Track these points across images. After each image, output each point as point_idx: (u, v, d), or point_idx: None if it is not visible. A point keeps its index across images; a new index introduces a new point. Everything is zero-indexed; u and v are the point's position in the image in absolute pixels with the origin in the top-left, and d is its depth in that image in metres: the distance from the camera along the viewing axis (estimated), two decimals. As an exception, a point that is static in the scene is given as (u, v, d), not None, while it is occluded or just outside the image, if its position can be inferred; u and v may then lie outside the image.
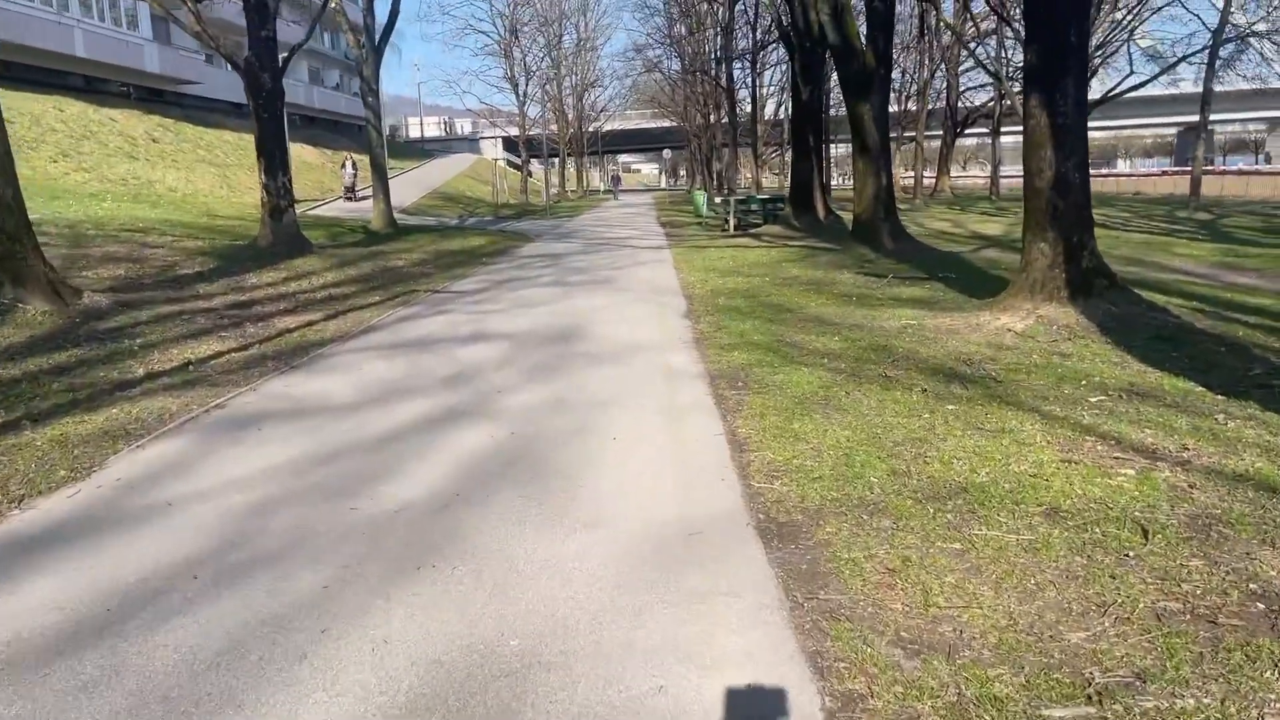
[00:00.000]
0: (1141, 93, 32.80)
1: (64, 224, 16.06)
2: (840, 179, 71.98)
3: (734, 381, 7.34)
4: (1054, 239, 9.21)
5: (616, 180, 76.89)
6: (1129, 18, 32.23)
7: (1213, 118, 34.53)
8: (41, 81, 30.54)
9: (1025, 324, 8.82)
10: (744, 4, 42.15)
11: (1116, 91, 34.22)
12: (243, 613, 3.56)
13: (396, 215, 29.14)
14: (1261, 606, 3.37)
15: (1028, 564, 3.80)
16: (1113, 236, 19.26)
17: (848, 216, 23.98)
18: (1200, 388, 6.53)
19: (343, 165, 36.34)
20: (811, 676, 3.06)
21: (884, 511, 4.43)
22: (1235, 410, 5.88)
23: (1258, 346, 7.70)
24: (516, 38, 55.85)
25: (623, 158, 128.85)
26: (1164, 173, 57.32)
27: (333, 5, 23.18)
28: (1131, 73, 32.83)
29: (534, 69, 58.44)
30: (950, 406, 6.28)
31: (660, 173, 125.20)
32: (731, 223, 25.81)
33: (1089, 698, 2.88)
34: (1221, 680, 2.93)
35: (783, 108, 55.61)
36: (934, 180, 49.31)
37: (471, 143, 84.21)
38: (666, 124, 72.16)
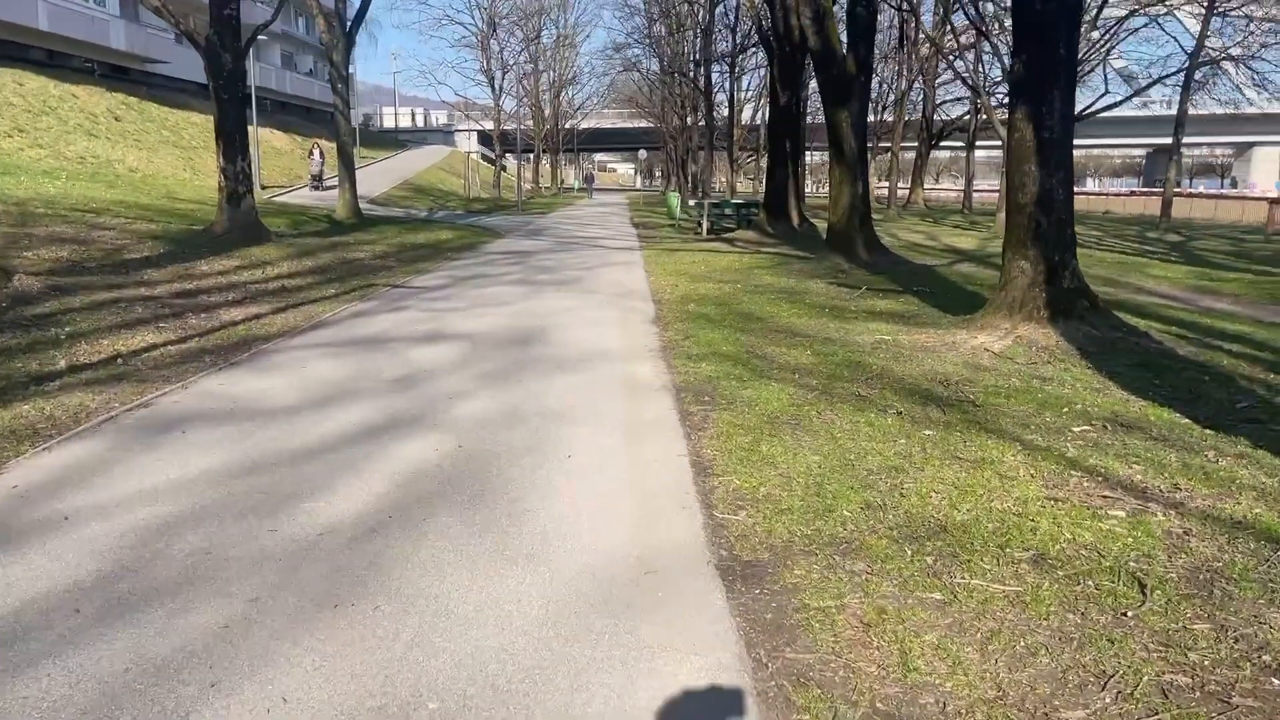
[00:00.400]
0: (1114, 113, 32.81)
1: (11, 201, 15.34)
2: (814, 187, 71.90)
3: (700, 396, 6.93)
4: (1035, 257, 8.90)
5: (590, 179, 76.26)
6: (1106, 37, 32.25)
7: (1184, 140, 34.70)
8: (0, 54, 29.55)
9: (1003, 344, 8.49)
10: (724, 6, 41.92)
11: (1091, 110, 34.20)
12: (124, 657, 3.10)
13: (364, 205, 28.49)
14: (1278, 683, 3.01)
15: (1016, 621, 3.42)
16: (1086, 255, 19.07)
17: (821, 225, 23.72)
18: (1186, 420, 6.21)
19: (310, 153, 35.53)
20: (775, 758, 2.65)
21: (858, 552, 4.04)
22: (1225, 446, 5.56)
23: (1243, 377, 7.42)
24: (494, 30, 55.25)
25: (598, 156, 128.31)
26: (1132, 193, 57.72)
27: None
28: (1106, 92, 32.89)
29: (511, 63, 57.87)
30: (927, 432, 5.92)
31: (635, 173, 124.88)
32: (705, 226, 25.45)
33: (1093, 795, 2.50)
34: (1242, 776, 2.56)
35: (759, 113, 55.51)
36: (908, 192, 49.32)
37: (446, 135, 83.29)
38: (643, 124, 71.67)
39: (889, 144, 47.78)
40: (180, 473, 4.98)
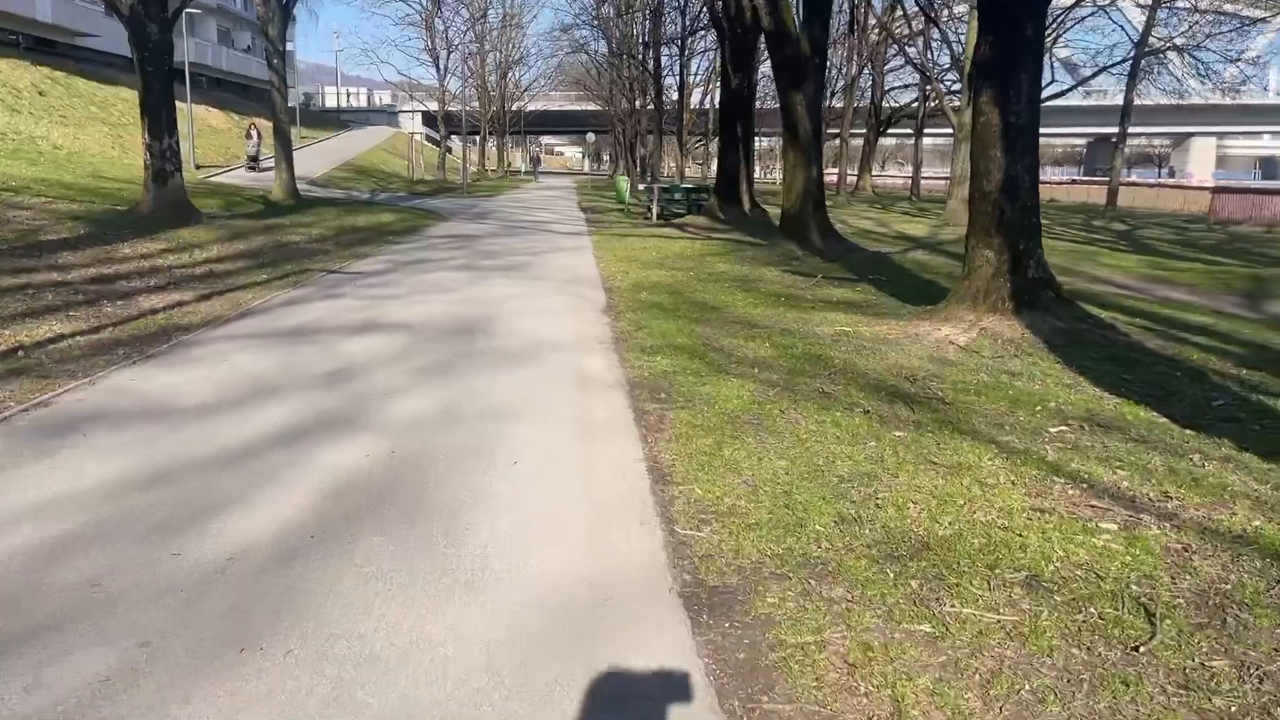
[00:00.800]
0: (1057, 102, 33.02)
1: (-86, 178, 14.36)
2: (761, 172, 71.72)
3: (656, 392, 6.50)
4: (1000, 246, 8.61)
5: (537, 161, 75.16)
6: (1052, 26, 32.37)
7: (1106, 130, 35.06)
8: (-87, 23, 27.97)
9: (968, 336, 8.19)
10: (674, -13, 41.31)
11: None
12: (-23, 725, 2.59)
13: (303, 186, 27.53)
14: (1315, 732, 2.68)
15: (1017, 659, 3.05)
16: (1038, 243, 19.03)
17: (772, 210, 23.41)
18: (1164, 419, 5.94)
19: (247, 133, 34.22)
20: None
21: (835, 575, 3.65)
22: (1209, 449, 5.28)
23: (1214, 372, 7.19)
24: (439, 9, 53.94)
25: (546, 139, 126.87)
26: (1074, 181, 58.47)
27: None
28: (1053, 80, 33.07)
29: (456, 42, 56.57)
30: (898, 433, 5.55)
31: (583, 156, 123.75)
32: (654, 211, 24.98)
33: None
34: None
35: (709, 97, 55.07)
36: (856, 178, 49.31)
37: (390, 115, 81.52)
38: (591, 107, 70.78)
39: (838, 130, 47.68)
40: (75, 484, 4.42)
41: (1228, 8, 31.58)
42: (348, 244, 16.42)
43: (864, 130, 48.59)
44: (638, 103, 52.41)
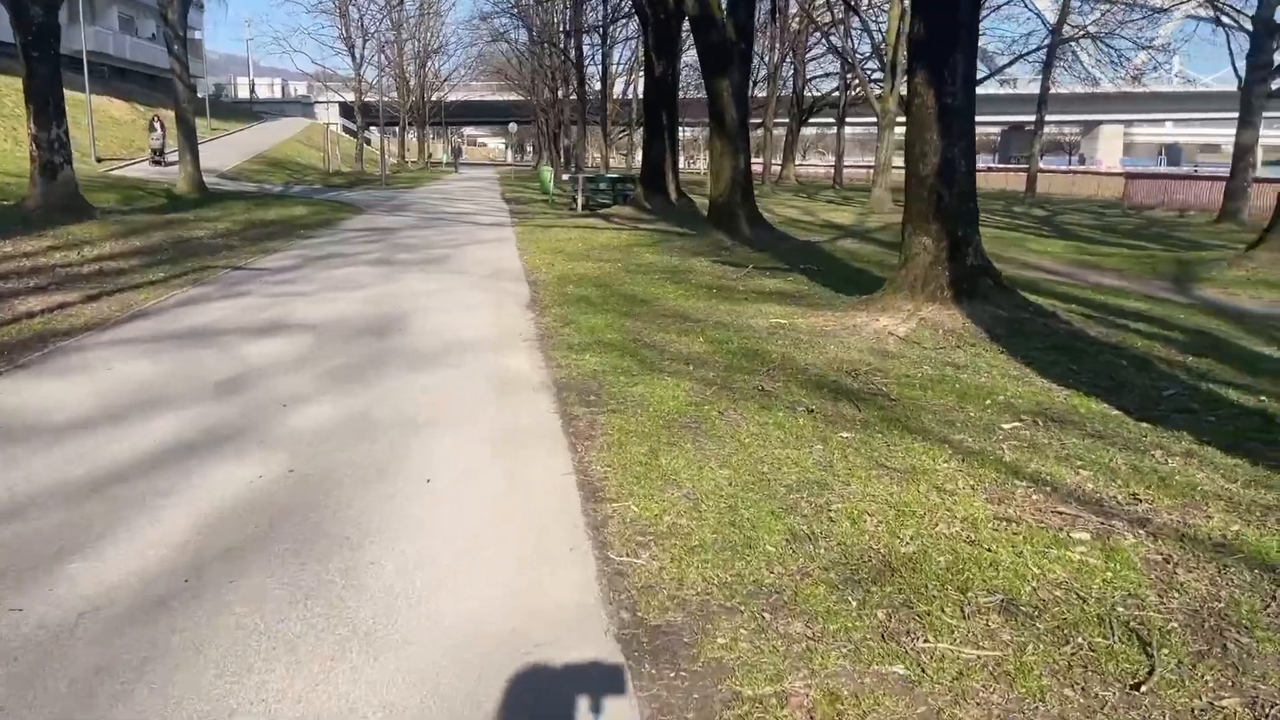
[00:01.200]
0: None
1: None
2: (685, 162, 71.39)
3: (586, 395, 6.02)
4: (938, 233, 8.33)
5: (458, 152, 73.85)
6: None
7: (1031, 119, 35.51)
8: None
9: (908, 327, 7.88)
10: (595, -26, 40.72)
11: None
12: None
13: (213, 180, 26.36)
14: (1350, 785, 2.33)
15: (1006, 706, 2.66)
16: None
17: (699, 200, 23.07)
18: (1117, 411, 5.68)
19: (151, 125, 32.55)
20: None
21: (792, 606, 3.23)
22: (1169, 443, 5.01)
23: (1160, 360, 6.99)
24: (353, -5, 52.38)
25: (468, 130, 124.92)
26: (989, 168, 59.51)
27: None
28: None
29: (372, 30, 55.09)
30: (845, 434, 5.17)
31: (506, 147, 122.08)
32: (580, 202, 24.45)
33: None
34: None
35: (631, 87, 54.58)
36: (780, 168, 49.35)
37: (306, 106, 79.22)
38: (514, 97, 69.69)
39: (761, 119, 47.62)
40: (-96, 524, 3.77)
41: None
42: (255, 239, 15.55)
43: (786, 120, 48.65)
44: (560, 92, 51.68)
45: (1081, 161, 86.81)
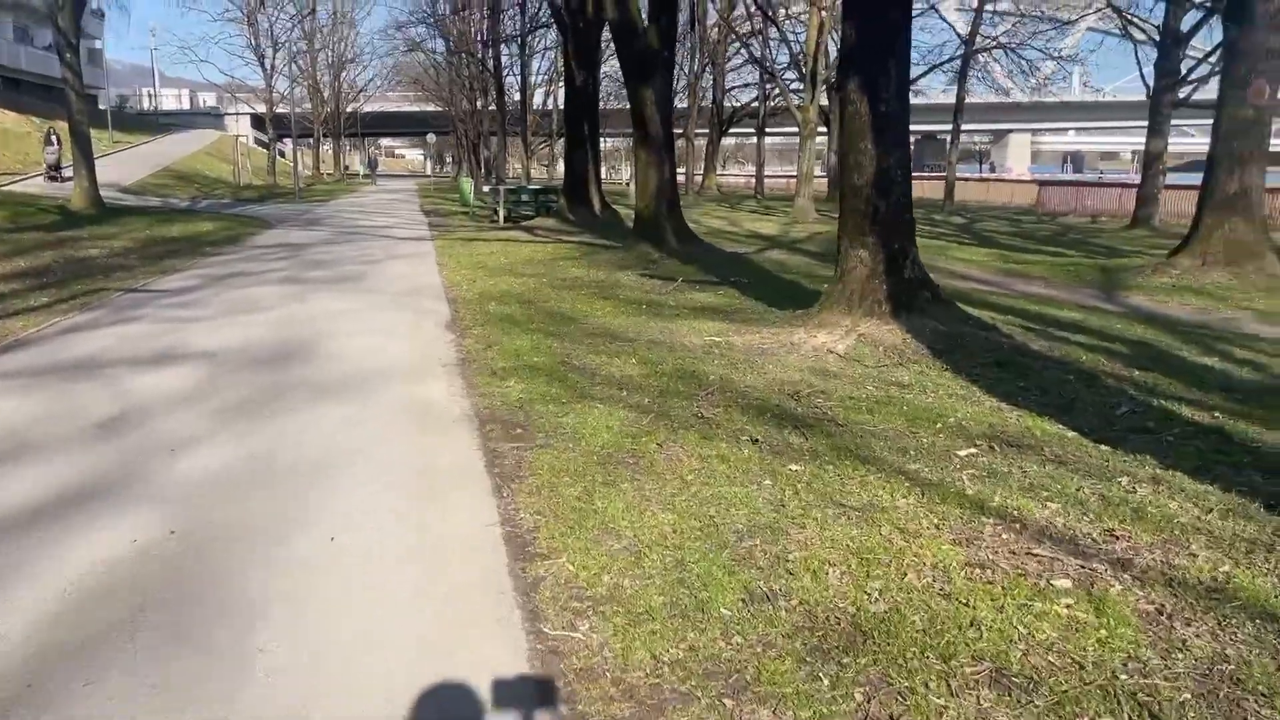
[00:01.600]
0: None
1: None
2: (606, 173, 71.01)
3: (511, 427, 5.53)
4: (874, 245, 8.04)
5: (374, 164, 72.24)
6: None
7: (944, 128, 36.09)
8: None
9: (847, 344, 7.57)
10: (513, -17, 40.16)
11: None
12: None
13: (114, 195, 25.08)
14: None
15: (1017, 810, 2.26)
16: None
17: (623, 211, 22.72)
18: (1073, 432, 5.40)
19: (46, 139, 30.80)
20: None
21: (757, 687, 2.79)
22: (1133, 469, 4.73)
23: (1106, 374, 6.78)
24: (262, 4, 50.81)
25: (385, 141, 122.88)
26: (908, 178, 60.78)
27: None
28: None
29: (283, 40, 53.50)
30: (794, 467, 4.78)
31: (425, 159, 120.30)
32: (501, 214, 23.86)
33: None
34: None
35: (551, 97, 54.06)
36: (702, 178, 49.35)
37: (216, 118, 76.77)
38: (432, 108, 68.54)
39: (682, 129, 47.57)
40: None
41: (1045, 7, 32.99)
42: (155, 257, 14.64)
43: (707, 130, 48.69)
44: (479, 103, 50.88)
45: (992, 169, 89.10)
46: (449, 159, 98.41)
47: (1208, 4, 21.58)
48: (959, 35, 32.11)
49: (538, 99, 52.34)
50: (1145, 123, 23.36)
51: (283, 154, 60.92)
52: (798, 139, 29.06)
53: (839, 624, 3.16)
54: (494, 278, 12.42)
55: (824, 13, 26.86)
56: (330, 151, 72.05)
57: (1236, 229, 11.92)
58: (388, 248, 17.45)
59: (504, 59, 43.99)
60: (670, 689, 2.79)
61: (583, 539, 3.87)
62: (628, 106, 16.02)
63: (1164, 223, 22.86)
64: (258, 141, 66.45)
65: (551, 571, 3.59)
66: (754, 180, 51.42)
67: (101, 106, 53.61)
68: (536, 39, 43.46)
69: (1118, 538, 3.87)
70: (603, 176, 25.44)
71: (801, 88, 30.08)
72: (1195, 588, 3.39)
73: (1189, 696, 2.71)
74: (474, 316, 9.44)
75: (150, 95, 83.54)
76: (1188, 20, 22.31)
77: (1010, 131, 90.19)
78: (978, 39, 31.94)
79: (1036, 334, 8.18)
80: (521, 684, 2.82)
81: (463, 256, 15.34)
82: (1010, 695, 2.73)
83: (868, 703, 2.71)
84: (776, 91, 41.16)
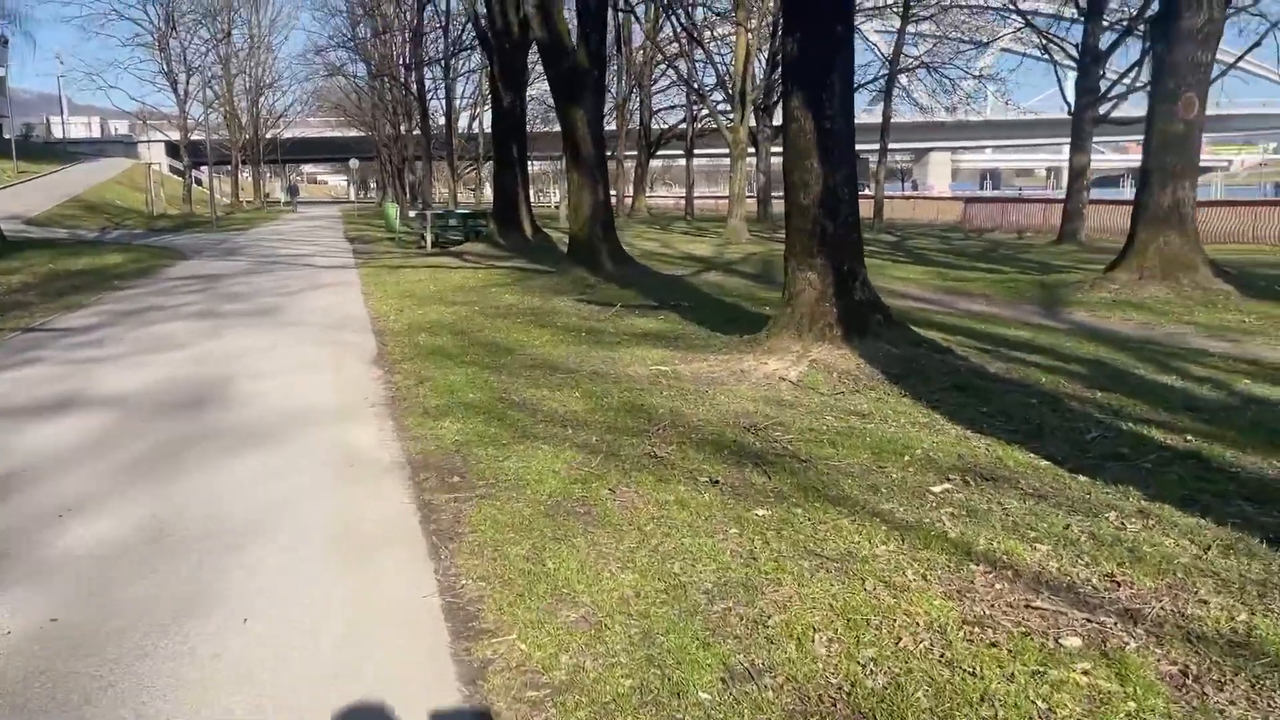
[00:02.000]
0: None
1: None
2: (536, 196, 70.32)
3: (448, 475, 5.06)
4: (823, 267, 7.75)
5: (294, 190, 70.67)
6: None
7: (868, 148, 36.43)
8: None
9: (799, 370, 7.24)
10: (434, 7, 39.64)
11: None
12: None
13: (16, 227, 23.90)
14: None
15: None
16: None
17: (555, 235, 22.33)
18: (1046, 461, 5.13)
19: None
20: None
21: (751, 793, 2.38)
22: (1118, 501, 4.45)
23: (1069, 396, 6.55)
24: (174, 29, 49.38)
25: (307, 168, 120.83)
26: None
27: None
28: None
29: (197, 65, 52.01)
30: (760, 511, 4.40)
31: (349, 184, 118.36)
32: (429, 240, 23.25)
33: None
34: None
35: (477, 120, 53.46)
36: (632, 199, 49.21)
37: (128, 146, 74.43)
38: (354, 133, 67.37)
39: (612, 151, 47.42)
40: None
41: (964, 28, 33.63)
42: (58, 293, 13.76)
43: (635, 152, 48.60)
44: (403, 127, 50.08)
45: (915, 188, 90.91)
46: (373, 184, 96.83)
47: (1124, 23, 22.09)
48: (882, 55, 32.51)
49: (463, 122, 51.74)
50: (1059, 139, 23.98)
51: (199, 182, 59.16)
52: (724, 159, 29.05)
53: (835, 706, 2.77)
54: (423, 307, 11.89)
55: (751, 34, 26.90)
56: (250, 179, 70.29)
57: (1171, 242, 11.98)
58: (310, 277, 16.75)
59: (428, 82, 43.41)
60: (651, 804, 2.36)
61: (534, 609, 3.43)
62: (555, 129, 15.75)
63: (1089, 237, 23.23)
64: (173, 169, 64.58)
65: (501, 652, 3.13)
66: (683, 201, 51.45)
67: (6, 136, 51.48)
68: (461, 61, 42.94)
69: (1119, 583, 3.56)
70: (532, 200, 25.03)
71: (730, 109, 30.09)
72: (1217, 642, 3.08)
73: (1244, 783, 2.38)
74: (403, 350, 8.91)
75: (58, 124, 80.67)
76: (1106, 39, 22.82)
77: (931, 150, 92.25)
78: (901, 59, 32.42)
79: (991, 355, 7.96)
80: (473, 806, 2.36)
81: (389, 285, 14.75)
82: (1044, 791, 2.36)
83: (884, 811, 2.31)
84: (705, 113, 41.30)
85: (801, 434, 5.74)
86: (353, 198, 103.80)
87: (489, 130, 32.29)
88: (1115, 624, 3.23)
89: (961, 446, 5.43)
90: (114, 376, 7.84)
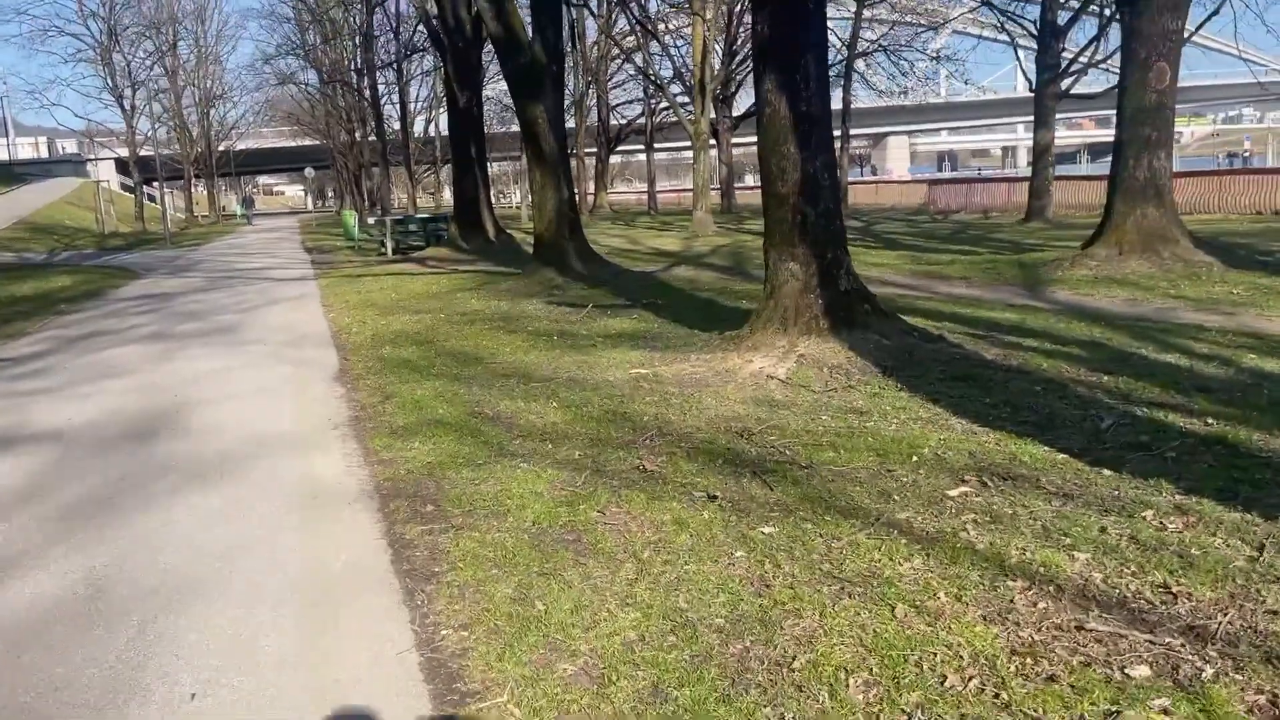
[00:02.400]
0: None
1: None
2: (495, 197, 69.40)
3: (420, 504, 4.62)
4: (805, 256, 7.39)
5: (249, 202, 69.32)
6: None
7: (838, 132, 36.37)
8: None
9: (787, 367, 6.87)
10: (384, 12, 38.91)
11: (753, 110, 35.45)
12: None
13: (-47, 252, 22.88)
14: None
15: None
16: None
17: (519, 236, 21.86)
18: (1063, 455, 4.78)
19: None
20: None
21: None
22: (1151, 497, 4.11)
23: (1074, 382, 6.22)
24: (117, 42, 48.11)
25: (263, 179, 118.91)
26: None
27: None
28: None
29: (142, 79, 50.70)
30: (766, 529, 4.01)
31: (306, 194, 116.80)
32: (389, 246, 22.67)
33: None
34: None
35: (432, 124, 52.69)
36: (593, 196, 48.72)
37: (78, 165, 72.64)
38: (309, 142, 66.23)
39: (570, 148, 46.87)
40: None
41: (919, 12, 33.54)
42: (0, 320, 13.09)
43: (595, 149, 48.12)
44: (358, 133, 49.19)
45: (874, 172, 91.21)
46: (330, 193, 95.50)
47: (1080, -1, 21.97)
48: (839, 39, 32.29)
49: (419, 126, 51.00)
50: (1015, 119, 23.86)
51: (151, 198, 57.81)
52: (683, 153, 28.70)
53: (886, 769, 2.38)
54: (386, 317, 11.39)
55: (707, 25, 26.52)
56: (205, 193, 68.92)
57: (1149, 215, 11.74)
58: (267, 291, 16.16)
59: (381, 87, 42.65)
60: None
61: (526, 661, 3.01)
62: (512, 129, 15.31)
63: (1056, 214, 23.12)
64: (124, 187, 63.10)
65: (491, 718, 2.71)
66: (645, 196, 51.07)
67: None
68: (413, 64, 42.18)
69: (1175, 595, 3.21)
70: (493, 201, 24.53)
71: (688, 101, 29.71)
72: (1301, 662, 2.73)
73: None
74: (366, 364, 8.44)
75: (3, 145, 78.70)
76: (1064, 15, 22.66)
77: (889, 135, 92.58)
78: (858, 43, 32.22)
79: (984, 341, 7.62)
80: None
81: (350, 295, 14.21)
82: None
83: None
84: (664, 106, 40.90)
85: (798, 437, 5.36)
86: (310, 207, 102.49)
87: (446, 133, 31.70)
88: (1182, 646, 2.87)
89: (970, 443, 5.07)
90: (54, 408, 7.31)
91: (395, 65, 39.02)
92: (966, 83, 36.33)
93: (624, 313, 10.62)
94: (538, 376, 7.40)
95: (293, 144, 71.78)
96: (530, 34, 14.36)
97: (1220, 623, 2.99)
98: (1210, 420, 5.17)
